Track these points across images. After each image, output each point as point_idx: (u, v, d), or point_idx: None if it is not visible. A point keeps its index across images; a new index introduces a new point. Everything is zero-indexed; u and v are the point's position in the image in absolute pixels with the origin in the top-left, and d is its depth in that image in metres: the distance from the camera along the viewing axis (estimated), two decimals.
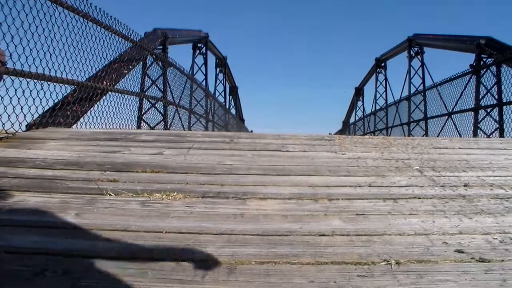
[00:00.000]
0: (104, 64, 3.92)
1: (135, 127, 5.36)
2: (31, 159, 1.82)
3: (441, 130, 7.51)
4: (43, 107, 2.86)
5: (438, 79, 8.11)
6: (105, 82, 3.83)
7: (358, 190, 1.54)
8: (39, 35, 2.76)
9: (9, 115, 2.46)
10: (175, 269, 0.90)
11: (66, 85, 3.15)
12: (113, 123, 4.19)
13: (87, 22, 3.51)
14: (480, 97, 6.26)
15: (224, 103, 13.88)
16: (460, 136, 6.55)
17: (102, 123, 3.89)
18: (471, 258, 0.96)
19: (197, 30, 10.43)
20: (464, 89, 6.72)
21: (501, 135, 5.54)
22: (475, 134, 6.13)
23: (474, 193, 1.51)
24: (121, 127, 4.41)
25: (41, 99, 2.79)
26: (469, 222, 1.21)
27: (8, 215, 1.19)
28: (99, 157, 1.91)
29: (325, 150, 2.23)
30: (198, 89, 9.79)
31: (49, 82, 2.86)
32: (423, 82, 9.25)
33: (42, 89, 2.79)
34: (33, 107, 2.72)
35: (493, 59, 5.98)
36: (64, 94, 3.21)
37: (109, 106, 4.12)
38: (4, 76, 2.41)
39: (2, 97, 2.40)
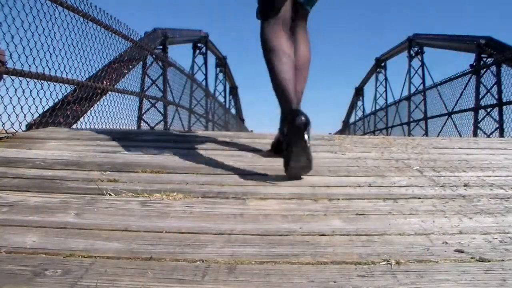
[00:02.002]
0: (104, 64, 3.92)
1: (135, 127, 5.36)
2: (31, 159, 1.82)
3: (441, 130, 7.51)
4: (43, 107, 2.86)
5: (438, 79, 8.12)
6: (105, 82, 3.83)
7: (358, 190, 1.54)
8: (39, 35, 2.77)
9: (9, 115, 2.46)
10: (175, 269, 0.90)
11: (66, 85, 3.16)
12: (113, 123, 4.20)
13: (87, 22, 3.51)
14: (480, 97, 6.26)
15: (224, 103, 13.89)
16: (460, 136, 6.55)
17: (102, 123, 3.89)
18: (471, 258, 0.96)
19: (197, 30, 10.44)
20: (464, 89, 6.73)
21: (501, 135, 5.54)
22: (475, 134, 6.13)
23: (474, 193, 1.51)
24: (121, 127, 4.41)
25: (41, 99, 2.80)
26: (469, 222, 1.21)
27: (8, 215, 1.19)
28: (99, 157, 1.91)
29: (325, 150, 2.23)
30: (198, 89, 9.79)
31: (49, 82, 2.86)
32: (423, 82, 9.26)
33: (42, 89, 2.79)
34: (33, 107, 2.72)
35: (493, 59, 5.98)
36: (64, 94, 3.21)
37: (109, 106, 4.12)
38: (4, 76, 2.41)
39: (2, 97, 2.40)
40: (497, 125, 5.70)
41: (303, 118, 1.51)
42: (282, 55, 1.67)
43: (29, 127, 2.70)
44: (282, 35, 1.70)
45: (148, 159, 1.90)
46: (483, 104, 6.18)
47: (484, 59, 6.25)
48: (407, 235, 1.10)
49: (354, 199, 1.43)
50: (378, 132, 11.65)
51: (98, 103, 3.78)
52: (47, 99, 2.87)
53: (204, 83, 10.98)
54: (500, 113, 5.67)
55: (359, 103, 14.95)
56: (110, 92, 4.10)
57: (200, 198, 1.39)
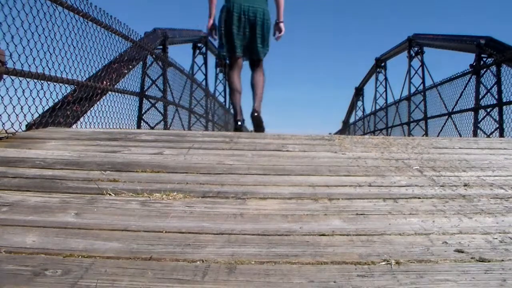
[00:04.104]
0: (104, 64, 3.92)
1: (135, 127, 5.35)
2: (31, 159, 1.82)
3: (441, 130, 7.50)
4: (43, 107, 2.86)
5: (438, 79, 8.11)
6: (105, 82, 3.83)
7: (358, 190, 1.54)
8: (39, 35, 2.76)
9: (9, 115, 2.46)
10: (175, 269, 0.90)
11: (66, 85, 3.16)
12: (113, 123, 4.19)
13: (87, 22, 3.51)
14: (480, 97, 6.26)
15: (224, 103, 13.87)
16: (460, 136, 6.55)
17: (102, 123, 3.89)
18: (471, 258, 0.96)
19: (197, 30, 10.41)
20: (464, 89, 6.72)
21: (501, 135, 5.54)
22: (475, 134, 6.13)
23: (474, 193, 1.51)
24: (121, 127, 4.40)
25: (41, 99, 2.79)
26: (469, 222, 1.21)
27: (8, 215, 1.19)
28: (99, 157, 1.91)
29: (325, 150, 2.23)
30: (198, 89, 9.79)
31: (49, 82, 2.86)
32: (423, 82, 9.24)
33: (42, 89, 2.79)
34: (33, 107, 2.72)
35: (493, 59, 5.97)
36: (64, 94, 3.21)
37: (109, 106, 4.12)
38: (4, 76, 2.41)
39: (2, 97, 2.40)
40: (497, 125, 5.69)
41: (239, 123, 3.42)
42: (235, 89, 3.47)
43: (29, 127, 2.69)
44: (235, 76, 3.47)
45: (148, 159, 1.90)
46: (483, 104, 6.17)
47: (484, 59, 6.25)
48: (407, 235, 1.10)
49: (354, 199, 1.43)
50: (378, 132, 11.64)
51: (98, 103, 3.78)
52: (47, 99, 2.87)
53: (204, 83, 10.97)
54: (500, 113, 5.66)
55: (359, 103, 14.92)
56: (110, 92, 4.10)
57: (200, 198, 1.39)
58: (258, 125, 3.42)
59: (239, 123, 3.40)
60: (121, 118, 4.46)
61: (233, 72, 3.47)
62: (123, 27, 4.34)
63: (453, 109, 7.12)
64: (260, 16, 3.32)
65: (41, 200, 1.32)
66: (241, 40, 3.37)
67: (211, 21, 3.52)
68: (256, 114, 3.36)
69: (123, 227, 1.12)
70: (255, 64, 3.47)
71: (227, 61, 3.56)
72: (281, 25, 3.51)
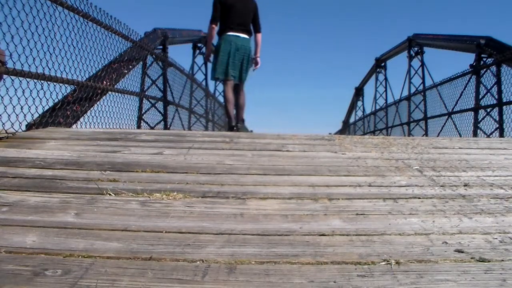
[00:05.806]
0: (104, 64, 3.91)
1: (135, 127, 5.35)
2: (31, 159, 1.82)
3: (441, 130, 7.50)
4: (43, 107, 2.86)
5: (438, 79, 8.11)
6: (105, 82, 3.83)
7: (358, 190, 1.54)
8: (39, 35, 2.76)
9: (9, 115, 2.46)
10: (175, 269, 0.90)
11: (66, 85, 3.15)
12: (113, 123, 4.19)
13: (87, 22, 3.51)
14: (480, 97, 6.26)
15: (224, 103, 13.85)
16: (460, 136, 6.54)
17: (102, 123, 3.89)
18: (471, 258, 0.96)
19: (197, 30, 10.39)
20: (464, 89, 6.72)
21: (501, 135, 5.53)
22: (475, 134, 6.12)
23: (474, 193, 1.51)
24: (121, 127, 4.40)
25: (41, 99, 2.79)
26: (469, 222, 1.21)
27: (8, 215, 1.19)
28: (99, 157, 1.91)
29: (325, 150, 2.23)
30: (198, 89, 9.79)
31: (49, 82, 2.86)
32: (423, 82, 9.23)
33: (42, 89, 2.79)
34: (33, 107, 2.72)
35: (493, 59, 5.97)
36: (64, 94, 3.21)
37: (109, 106, 4.12)
38: (4, 76, 2.41)
39: (2, 97, 2.40)
40: (497, 125, 5.69)
41: (234, 128, 4.22)
42: (230, 101, 4.31)
43: (29, 127, 2.69)
44: (230, 91, 4.27)
45: (148, 159, 1.90)
46: (483, 104, 6.17)
47: (484, 59, 6.24)
48: (407, 235, 1.10)
49: (354, 199, 1.43)
50: (378, 132, 11.63)
51: (98, 103, 3.77)
52: (47, 99, 2.87)
53: (204, 83, 10.97)
54: (500, 113, 5.65)
55: (359, 103, 14.92)
56: (110, 92, 4.10)
57: (200, 198, 1.39)
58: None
59: (234, 128, 4.23)
60: (121, 118, 4.47)
61: (227, 88, 4.43)
62: (123, 27, 4.34)
63: (453, 109, 7.12)
64: (247, 52, 4.29)
65: (41, 200, 1.32)
66: (233, 68, 4.29)
67: (209, 51, 4.55)
68: (243, 120, 4.41)
69: (123, 227, 1.12)
70: (240, 87, 4.42)
71: (222, 81, 4.49)
72: (258, 59, 4.43)
